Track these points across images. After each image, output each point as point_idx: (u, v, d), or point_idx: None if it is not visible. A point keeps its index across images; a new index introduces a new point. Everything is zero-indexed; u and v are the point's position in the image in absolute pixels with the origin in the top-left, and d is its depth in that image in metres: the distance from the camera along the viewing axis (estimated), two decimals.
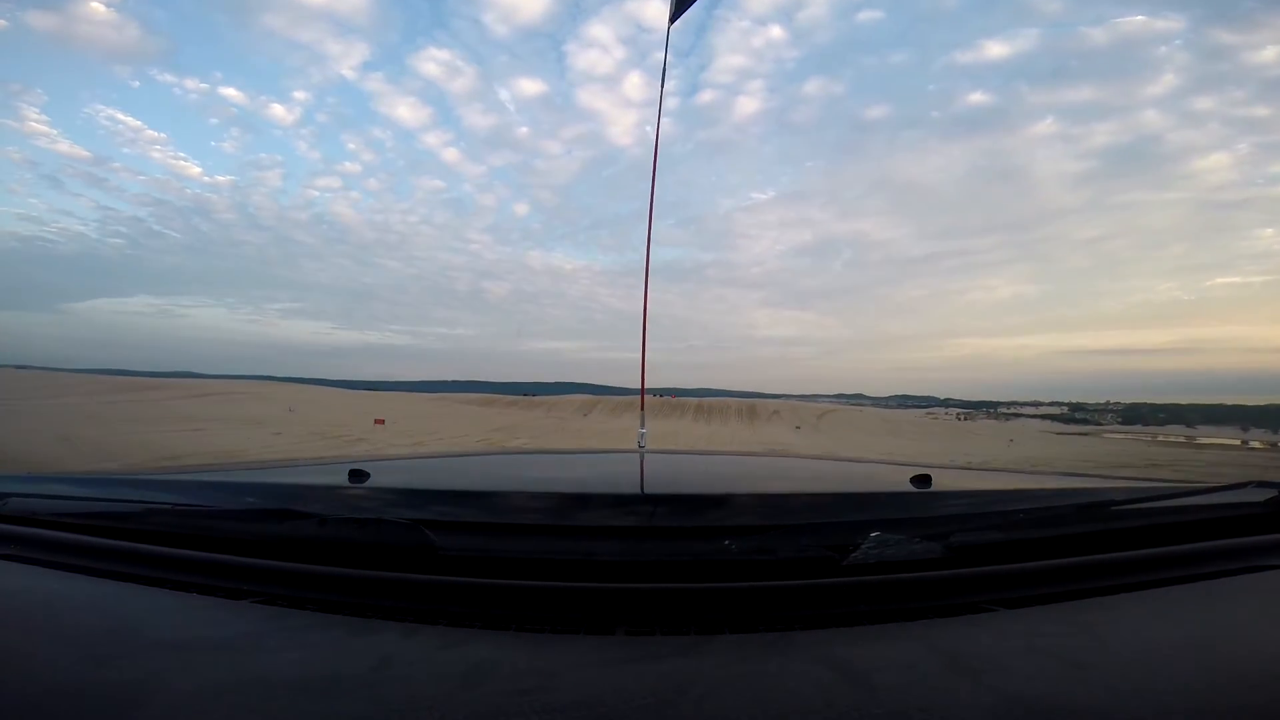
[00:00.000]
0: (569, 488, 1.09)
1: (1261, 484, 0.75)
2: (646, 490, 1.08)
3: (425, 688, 0.40)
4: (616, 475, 1.33)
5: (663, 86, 2.04)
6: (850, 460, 1.82)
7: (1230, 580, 0.59)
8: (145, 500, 0.76)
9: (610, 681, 0.41)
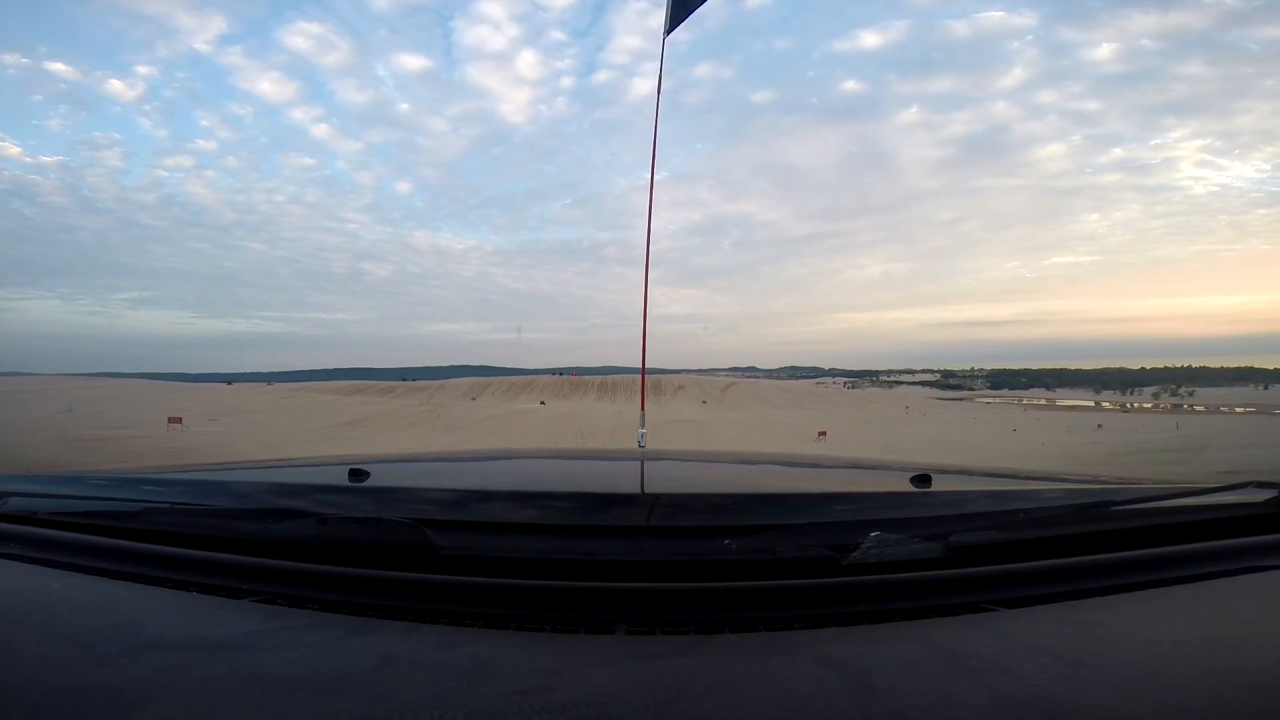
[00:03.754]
0: (569, 487, 1.08)
1: (1261, 484, 0.75)
2: (646, 490, 1.07)
3: (425, 687, 0.39)
4: (616, 475, 1.31)
5: (659, 98, 2.01)
6: (850, 460, 1.76)
7: (1230, 580, 0.59)
8: (145, 499, 0.76)
9: (610, 681, 0.41)
